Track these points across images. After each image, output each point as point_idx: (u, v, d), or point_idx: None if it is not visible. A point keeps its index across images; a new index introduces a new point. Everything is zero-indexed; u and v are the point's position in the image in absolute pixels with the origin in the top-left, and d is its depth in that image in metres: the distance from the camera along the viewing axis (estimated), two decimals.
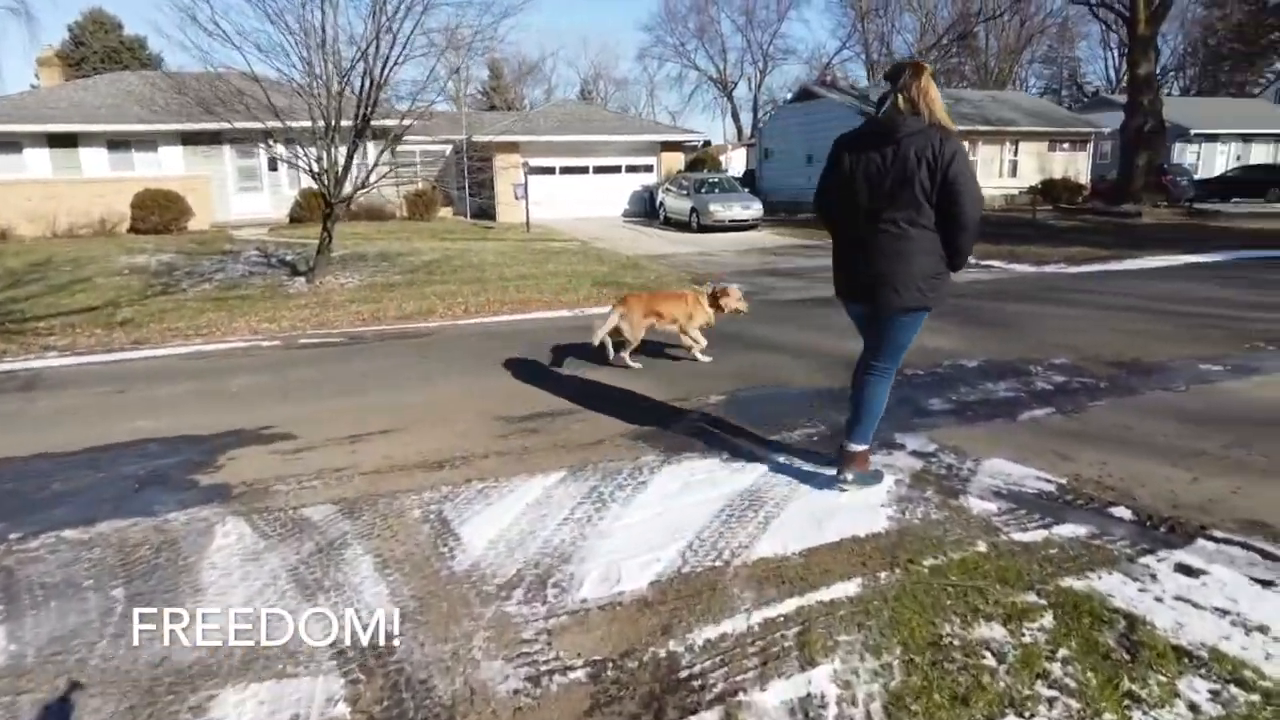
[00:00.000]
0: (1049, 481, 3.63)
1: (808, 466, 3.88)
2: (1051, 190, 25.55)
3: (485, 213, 25.82)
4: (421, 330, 8.16)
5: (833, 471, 3.65)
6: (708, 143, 58.97)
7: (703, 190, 21.49)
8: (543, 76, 69.20)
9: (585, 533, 3.22)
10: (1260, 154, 33.65)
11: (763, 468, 3.88)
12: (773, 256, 14.78)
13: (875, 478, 3.62)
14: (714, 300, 6.29)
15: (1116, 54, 58.21)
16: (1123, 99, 32.02)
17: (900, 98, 3.16)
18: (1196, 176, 29.42)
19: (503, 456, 4.17)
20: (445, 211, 25.70)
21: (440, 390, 5.70)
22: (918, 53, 57.53)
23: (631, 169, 27.15)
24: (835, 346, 6.65)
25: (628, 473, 3.85)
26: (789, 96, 34.68)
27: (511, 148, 23.83)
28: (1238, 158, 33.45)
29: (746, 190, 23.87)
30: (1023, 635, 2.42)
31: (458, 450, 4.27)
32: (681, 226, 21.24)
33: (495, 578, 2.89)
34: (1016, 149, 28.60)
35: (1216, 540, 3.01)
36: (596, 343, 6.08)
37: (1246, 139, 33.89)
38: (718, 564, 2.92)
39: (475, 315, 8.92)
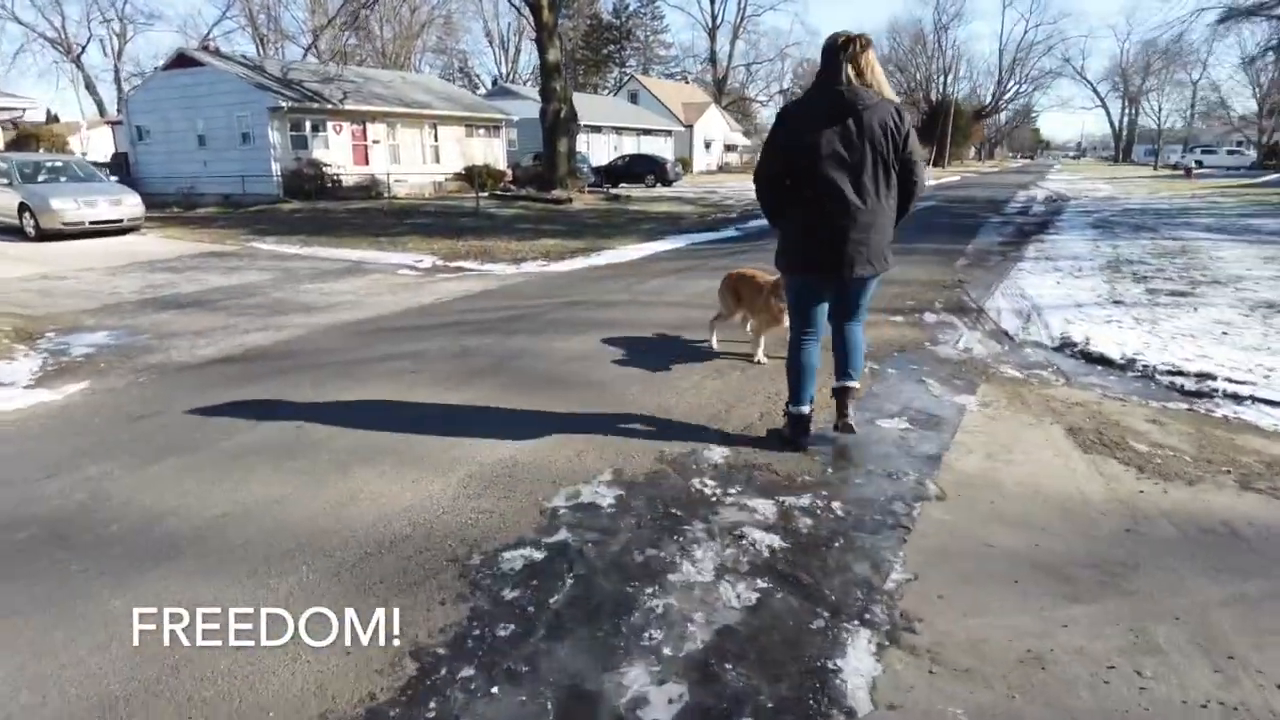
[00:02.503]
0: None
1: None
2: (477, 176, 25.08)
3: None
4: None
5: None
6: (55, 117, 46.21)
7: (41, 178, 14.92)
8: None
9: None
10: (630, 144, 39.37)
11: None
12: (168, 274, 10.01)
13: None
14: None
15: (497, 48, 63.51)
16: (521, 89, 33.73)
17: (851, 70, 3.09)
18: (592, 164, 32.72)
19: None
20: None
21: None
22: (312, 31, 53.65)
23: None
24: (331, 507, 3.34)
25: None
26: (162, 64, 27.65)
27: None
28: (615, 147, 38.48)
29: (114, 179, 17.74)
30: None
31: None
32: (11, 233, 14.43)
33: None
34: (436, 134, 27.68)
35: None
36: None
37: (620, 131, 39.28)
38: None
39: None
